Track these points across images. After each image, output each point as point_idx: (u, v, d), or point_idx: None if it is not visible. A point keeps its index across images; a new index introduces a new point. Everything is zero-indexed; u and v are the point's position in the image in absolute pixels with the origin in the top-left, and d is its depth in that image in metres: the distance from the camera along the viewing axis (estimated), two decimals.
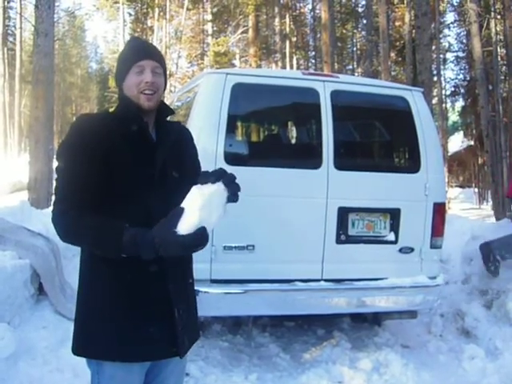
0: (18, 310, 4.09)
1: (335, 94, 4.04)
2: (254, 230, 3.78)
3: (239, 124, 5.19)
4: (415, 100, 4.24)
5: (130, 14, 29.84)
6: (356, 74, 31.61)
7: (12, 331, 3.66)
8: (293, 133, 5.96)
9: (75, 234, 1.73)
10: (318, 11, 30.81)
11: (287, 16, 26.87)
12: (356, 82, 4.52)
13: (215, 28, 27.65)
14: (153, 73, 1.84)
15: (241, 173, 3.80)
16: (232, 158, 3.75)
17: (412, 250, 4.16)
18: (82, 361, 3.53)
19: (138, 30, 29.21)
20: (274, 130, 6.26)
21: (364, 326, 5.03)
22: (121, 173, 1.77)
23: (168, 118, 2.06)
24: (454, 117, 41.13)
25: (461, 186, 37.54)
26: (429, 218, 4.17)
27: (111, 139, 1.78)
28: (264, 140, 5.99)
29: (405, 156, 4.68)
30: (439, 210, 4.22)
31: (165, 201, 1.79)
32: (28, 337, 3.87)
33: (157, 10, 25.96)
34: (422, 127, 4.19)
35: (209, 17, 26.68)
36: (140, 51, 1.87)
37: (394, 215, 4.11)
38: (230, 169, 3.67)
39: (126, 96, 1.86)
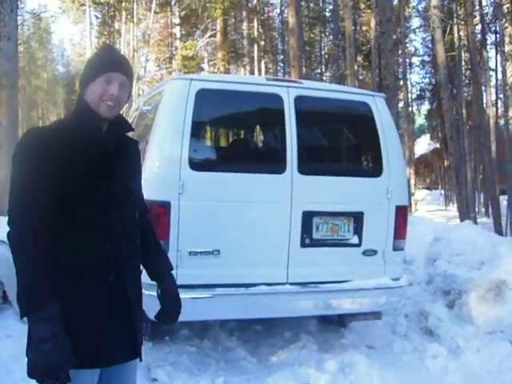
0: None
1: (299, 100, 4.09)
2: (219, 235, 3.79)
3: (204, 129, 5.20)
4: (377, 105, 4.33)
5: (97, 17, 29.66)
6: (324, 78, 31.96)
7: None
8: (257, 138, 6.01)
9: (21, 265, 1.72)
10: (286, 15, 31.03)
11: (255, 20, 27.00)
12: (319, 88, 4.58)
13: (183, 31, 27.59)
14: (120, 86, 1.85)
15: (206, 178, 3.88)
16: (197, 164, 3.77)
17: (375, 252, 4.23)
18: None
19: (105, 32, 29.02)
20: (238, 136, 6.30)
21: (330, 328, 5.10)
22: (78, 185, 1.78)
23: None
24: (420, 120, 41.96)
25: (428, 188, 38.35)
26: (391, 220, 4.25)
27: (67, 151, 1.78)
28: (229, 145, 6.02)
29: (367, 160, 4.76)
30: (401, 213, 4.30)
31: (123, 211, 1.86)
32: None
33: (124, 13, 25.85)
34: (383, 132, 4.27)
35: (177, 20, 26.62)
36: (113, 62, 1.88)
37: (357, 218, 4.18)
38: (194, 174, 3.73)
39: (86, 101, 1.86)
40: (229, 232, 3.85)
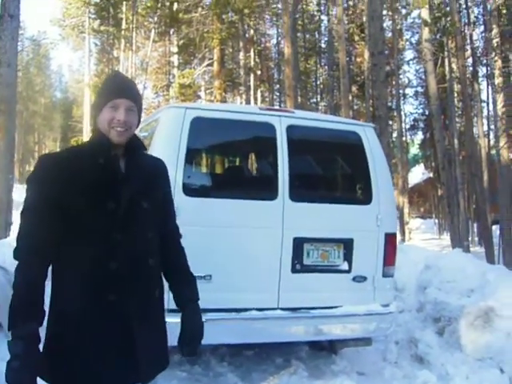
0: None
1: (291, 129, 4.21)
2: (211, 260, 3.84)
3: (198, 156, 5.31)
4: (367, 135, 4.45)
5: (96, 44, 30.09)
6: (319, 108, 32.31)
7: None
8: (250, 165, 6.12)
9: (18, 280, 1.83)
10: (282, 46, 31.57)
11: (252, 50, 27.44)
12: (311, 118, 4.70)
13: (181, 60, 27.96)
14: (126, 111, 1.94)
15: (199, 204, 3.97)
16: (190, 190, 3.86)
17: (365, 278, 4.30)
18: None
19: (104, 60, 29.39)
20: (232, 163, 6.42)
21: (321, 354, 5.12)
22: (83, 207, 1.87)
23: None
24: (414, 149, 42.29)
25: (422, 217, 38.43)
26: (381, 247, 4.33)
27: (76, 175, 1.88)
28: (222, 172, 6.14)
29: (357, 188, 4.85)
30: (390, 240, 4.39)
31: (131, 232, 1.92)
32: None
33: (123, 40, 26.17)
34: (373, 161, 4.38)
35: (175, 49, 26.98)
36: (118, 89, 1.96)
37: (347, 245, 4.26)
38: (187, 199, 3.80)
39: (98, 128, 1.97)
40: (221, 257, 3.91)
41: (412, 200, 35.99)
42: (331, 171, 5.19)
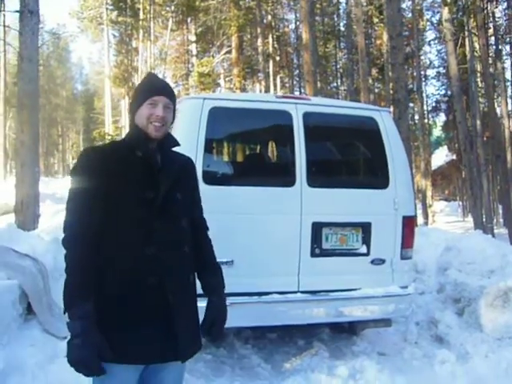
0: (7, 329, 4.22)
1: (307, 116, 4.29)
2: (232, 246, 3.96)
3: (216, 146, 5.40)
4: (383, 120, 4.50)
5: (115, 36, 30.22)
6: (339, 92, 32.11)
7: (2, 348, 3.82)
8: (268, 153, 6.21)
9: (68, 266, 1.99)
10: (301, 30, 31.37)
11: (270, 36, 27.34)
12: (327, 104, 4.76)
13: (199, 48, 28.04)
14: (164, 108, 2.10)
15: (219, 192, 4.08)
16: (210, 178, 3.97)
17: (383, 261, 4.38)
18: (72, 376, 3.71)
19: (123, 51, 29.53)
20: (249, 151, 6.52)
21: (342, 336, 5.23)
22: (124, 196, 2.03)
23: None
24: (437, 132, 41.79)
25: (446, 200, 38.11)
26: (398, 230, 4.40)
27: (117, 166, 2.05)
28: (240, 160, 6.24)
29: (374, 173, 4.89)
30: (408, 223, 4.45)
31: (167, 220, 2.07)
32: (16, 355, 4.00)
33: (141, 31, 26.31)
34: (390, 145, 4.44)
35: (193, 38, 27.07)
36: (157, 87, 2.13)
37: (365, 229, 4.34)
38: (208, 188, 3.92)
39: (136, 124, 2.13)
40: (242, 243, 4.03)
41: (435, 183, 35.67)
42: (348, 156, 5.24)
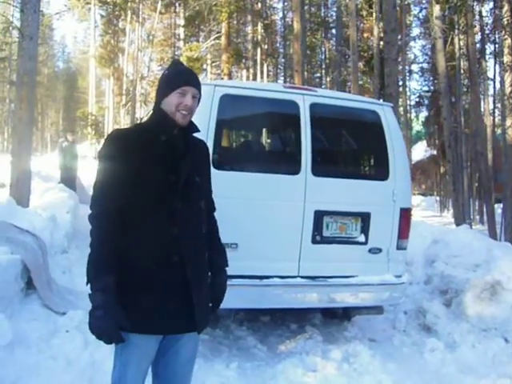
0: (10, 302, 4.29)
1: (313, 107, 4.40)
2: (237, 230, 4.06)
3: (226, 132, 5.49)
4: (385, 114, 4.64)
5: (102, 16, 29.80)
6: (324, 83, 32.25)
7: (8, 321, 3.88)
8: (274, 141, 6.32)
9: (93, 241, 2.10)
10: (288, 19, 31.39)
11: (259, 24, 27.29)
12: (333, 96, 4.87)
13: (187, 33, 27.84)
14: (192, 98, 2.19)
15: (227, 177, 4.18)
16: (219, 163, 4.06)
17: (380, 250, 4.54)
18: (75, 350, 3.81)
19: (110, 31, 29.18)
20: (257, 139, 6.62)
21: (334, 321, 5.40)
22: (149, 178, 2.12)
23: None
24: (417, 126, 42.25)
25: (423, 194, 38.59)
26: (396, 221, 4.56)
27: (142, 149, 2.14)
28: (248, 147, 6.32)
29: (375, 165, 5.05)
30: (405, 214, 4.61)
31: (188, 201, 2.18)
32: (21, 328, 4.07)
33: (129, 12, 26.01)
34: (391, 139, 4.58)
35: (181, 22, 26.86)
36: (187, 78, 2.22)
37: (364, 219, 4.48)
38: (217, 173, 4.00)
39: (163, 110, 2.21)
40: (247, 227, 4.15)
41: (414, 177, 36.10)
42: (351, 148, 5.38)
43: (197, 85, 2.24)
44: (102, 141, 2.30)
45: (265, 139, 5.98)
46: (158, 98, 2.26)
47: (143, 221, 2.13)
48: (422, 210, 29.72)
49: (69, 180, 11.21)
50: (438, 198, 31.85)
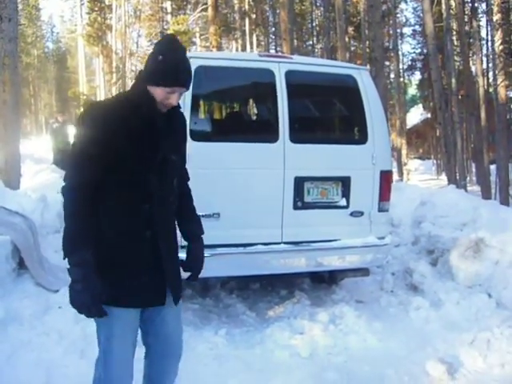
0: (1, 282, 4.38)
1: (289, 74, 4.41)
2: (218, 200, 4.15)
3: (203, 103, 5.51)
4: (362, 78, 4.65)
5: None
6: (316, 50, 31.96)
7: (0, 300, 3.98)
8: (252, 110, 6.34)
9: (67, 214, 2.10)
10: None
11: None
12: (308, 63, 4.89)
13: (174, 6, 27.46)
14: (178, 95, 2.17)
15: (205, 148, 4.23)
16: (197, 135, 4.09)
17: (362, 213, 4.60)
18: (67, 325, 3.91)
19: (96, 8, 28.72)
20: (234, 108, 6.63)
21: (322, 285, 5.50)
22: (125, 153, 2.12)
23: None
24: (412, 90, 42.00)
25: (420, 158, 38.60)
26: (376, 184, 4.61)
27: (121, 123, 2.11)
28: (225, 117, 6.36)
29: (354, 129, 5.07)
30: (385, 177, 4.66)
31: (163, 180, 2.22)
32: (13, 306, 4.16)
33: None
34: (368, 103, 4.60)
35: None
36: (179, 77, 2.14)
37: (344, 183, 4.54)
38: (195, 144, 4.06)
39: (149, 91, 2.15)
40: (228, 197, 4.21)
41: (410, 141, 36.07)
42: (329, 113, 5.41)
43: (187, 84, 2.19)
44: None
45: (242, 109, 5.99)
46: (146, 76, 2.18)
47: (117, 196, 2.15)
48: (419, 174, 29.80)
49: (62, 161, 11.25)
50: (435, 162, 31.89)
